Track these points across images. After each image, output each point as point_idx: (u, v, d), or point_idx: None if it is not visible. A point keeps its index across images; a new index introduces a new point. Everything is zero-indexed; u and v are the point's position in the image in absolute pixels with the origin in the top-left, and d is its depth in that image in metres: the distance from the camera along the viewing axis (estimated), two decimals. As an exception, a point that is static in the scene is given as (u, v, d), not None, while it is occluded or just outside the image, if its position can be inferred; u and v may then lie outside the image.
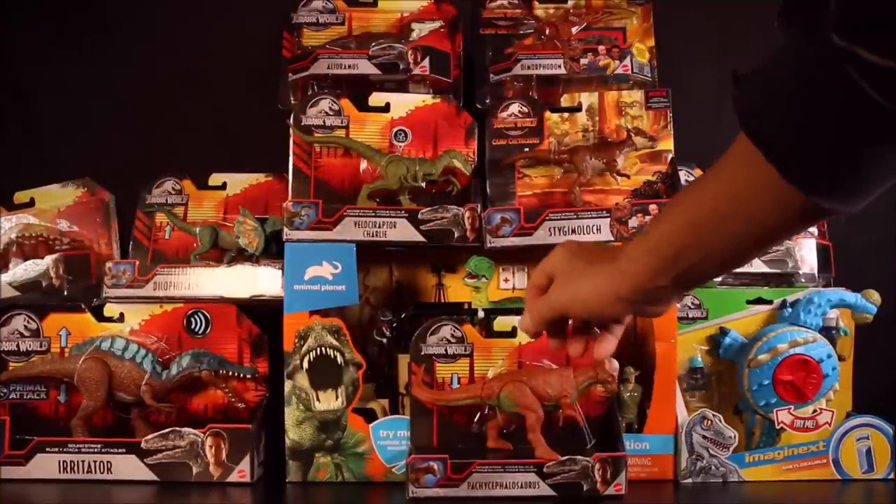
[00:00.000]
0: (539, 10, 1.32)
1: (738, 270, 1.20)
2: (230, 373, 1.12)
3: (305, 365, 1.08)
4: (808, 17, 0.49)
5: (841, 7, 0.45)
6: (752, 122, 0.54)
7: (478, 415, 1.08)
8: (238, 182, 1.29)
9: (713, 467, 1.08)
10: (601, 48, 1.24)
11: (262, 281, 1.14)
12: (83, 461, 1.07)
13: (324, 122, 1.19)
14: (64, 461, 1.07)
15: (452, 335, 1.08)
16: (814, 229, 1.26)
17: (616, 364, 1.05)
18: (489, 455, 1.04)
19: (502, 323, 1.10)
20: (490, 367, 1.09)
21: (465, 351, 1.08)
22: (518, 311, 1.13)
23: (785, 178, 0.53)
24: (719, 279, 1.20)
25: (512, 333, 1.09)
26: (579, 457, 1.00)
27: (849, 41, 0.46)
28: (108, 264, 1.15)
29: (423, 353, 1.08)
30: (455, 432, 1.08)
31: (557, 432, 1.06)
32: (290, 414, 1.09)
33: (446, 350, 1.08)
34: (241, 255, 1.20)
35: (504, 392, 1.05)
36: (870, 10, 0.45)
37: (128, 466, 1.06)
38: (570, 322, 0.74)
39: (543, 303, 0.72)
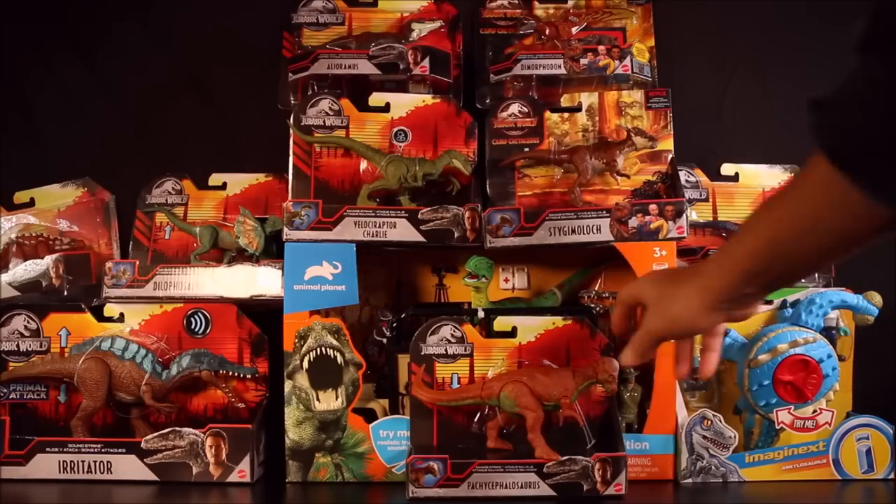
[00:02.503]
0: (539, 10, 1.32)
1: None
2: (230, 373, 1.12)
3: (305, 365, 1.08)
4: (887, 47, 0.53)
5: None
6: (833, 145, 0.58)
7: (478, 415, 1.08)
8: (238, 182, 1.29)
9: (713, 467, 1.08)
10: (601, 48, 1.24)
11: (262, 281, 1.14)
12: (83, 461, 1.07)
13: (324, 122, 1.19)
14: (64, 461, 1.07)
15: (452, 335, 1.08)
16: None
17: (616, 364, 1.05)
18: (489, 455, 1.04)
19: (502, 323, 1.10)
20: (490, 367, 1.09)
21: (466, 351, 1.08)
22: (518, 312, 1.14)
23: (868, 195, 0.57)
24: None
25: (512, 333, 1.09)
26: (579, 457, 1.00)
27: None
28: (108, 264, 1.15)
29: (423, 352, 1.08)
30: (455, 432, 1.07)
31: (557, 432, 1.06)
32: (290, 414, 1.09)
33: (446, 350, 1.08)
34: (241, 255, 1.20)
35: (504, 392, 1.04)
36: None
37: (128, 466, 1.06)
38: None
39: (643, 335, 0.78)
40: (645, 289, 0.80)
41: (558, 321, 1.10)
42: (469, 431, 1.08)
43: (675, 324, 0.76)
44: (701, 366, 0.83)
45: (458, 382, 1.08)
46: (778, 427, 1.10)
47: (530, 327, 1.10)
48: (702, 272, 0.73)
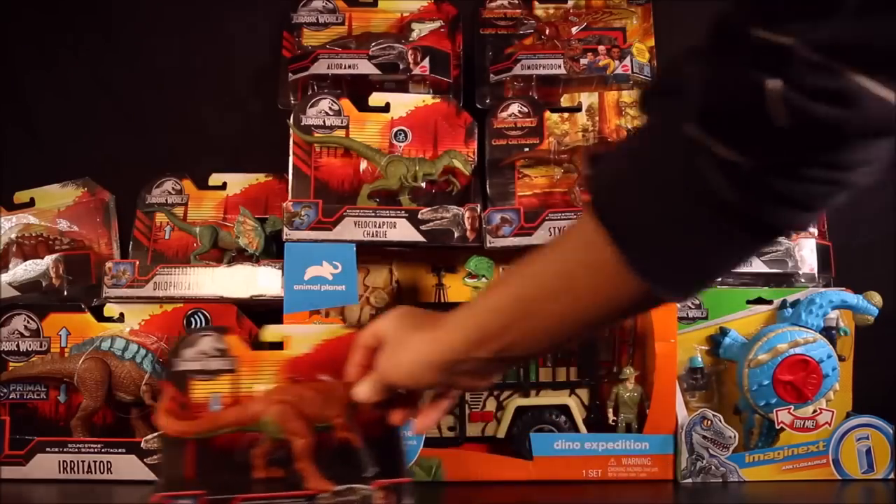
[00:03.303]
0: (539, 10, 1.32)
1: (738, 270, 1.20)
2: (230, 373, 1.11)
3: (305, 365, 1.08)
4: (667, 105, 0.49)
5: (699, 98, 0.46)
6: (601, 203, 0.53)
7: (242, 439, 0.92)
8: (238, 182, 1.29)
9: (713, 467, 1.08)
10: (601, 48, 1.24)
11: (262, 281, 1.14)
12: (83, 461, 1.07)
13: (324, 122, 1.19)
14: (64, 461, 1.07)
15: (214, 348, 0.94)
16: (814, 229, 1.26)
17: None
18: (255, 487, 0.89)
19: (271, 333, 0.96)
20: (257, 383, 0.93)
21: (229, 366, 0.93)
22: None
23: (626, 262, 0.51)
24: (719, 279, 1.20)
25: (281, 345, 0.95)
26: (358, 485, 0.86)
27: (702, 132, 0.46)
28: (108, 264, 1.15)
29: (177, 369, 0.90)
30: (216, 460, 0.91)
31: (331, 457, 0.91)
32: (290, 414, 1.08)
33: (205, 365, 0.93)
34: (241, 255, 1.20)
35: (267, 416, 0.89)
36: (726, 107, 0.45)
37: (128, 466, 1.06)
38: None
39: (374, 376, 0.70)
40: (388, 328, 0.69)
41: (337, 330, 0.99)
42: (232, 459, 0.92)
43: (398, 372, 0.67)
44: (419, 418, 0.73)
45: (220, 403, 0.92)
46: (778, 427, 1.10)
47: (305, 337, 0.98)
48: (441, 323, 0.63)
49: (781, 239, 1.20)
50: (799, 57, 0.43)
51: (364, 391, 0.72)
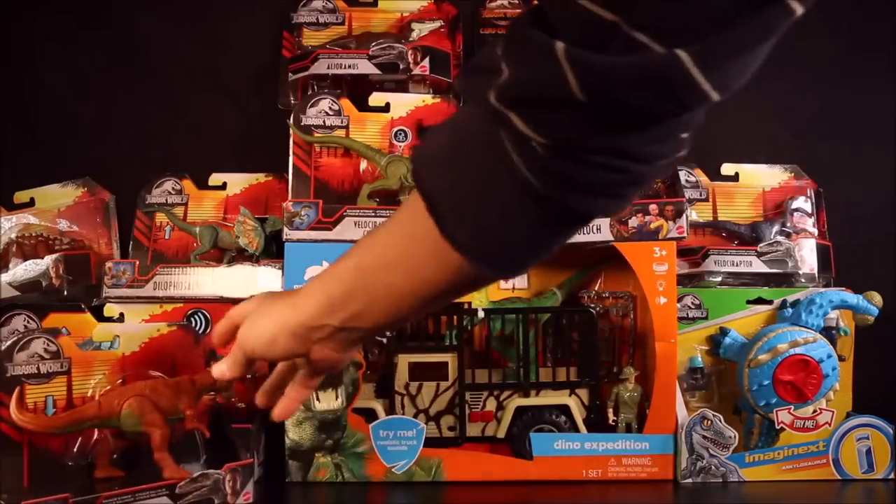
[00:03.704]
0: (539, 10, 1.32)
1: (738, 270, 1.20)
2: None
3: (305, 365, 1.08)
4: (481, 78, 0.48)
5: (507, 73, 0.45)
6: (421, 174, 0.53)
7: (78, 441, 0.96)
8: (238, 182, 1.29)
9: (713, 467, 1.08)
10: (601, 48, 1.24)
11: (262, 281, 1.14)
12: None
13: (324, 122, 1.19)
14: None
15: (46, 350, 0.94)
16: (814, 229, 1.26)
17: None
18: (98, 487, 0.91)
19: (102, 332, 0.99)
20: (91, 383, 0.96)
21: (62, 368, 0.94)
22: (518, 311, 1.14)
23: (442, 233, 0.51)
24: (719, 279, 1.20)
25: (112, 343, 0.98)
26: (211, 471, 0.93)
27: (502, 104, 0.46)
28: (108, 264, 1.15)
29: (10, 374, 0.91)
30: (51, 466, 0.94)
31: (183, 447, 0.98)
32: (290, 414, 1.09)
33: (39, 368, 0.94)
34: (241, 255, 1.20)
35: (126, 409, 0.94)
36: (528, 84, 0.45)
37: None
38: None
39: (234, 348, 0.70)
40: (252, 303, 0.70)
41: (163, 328, 1.03)
42: (66, 464, 0.95)
43: (254, 339, 0.66)
44: (277, 404, 0.73)
45: (55, 406, 0.93)
46: (778, 427, 1.10)
47: (134, 336, 1.02)
48: (297, 292, 0.64)
49: (781, 239, 1.21)
50: (586, 21, 0.42)
51: (224, 367, 0.71)
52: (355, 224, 1.10)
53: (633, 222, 1.09)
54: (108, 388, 0.98)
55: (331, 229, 1.10)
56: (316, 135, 1.18)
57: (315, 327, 0.62)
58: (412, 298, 0.57)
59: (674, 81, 0.42)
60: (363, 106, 1.21)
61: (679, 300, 1.14)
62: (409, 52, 1.22)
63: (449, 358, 1.11)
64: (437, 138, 0.54)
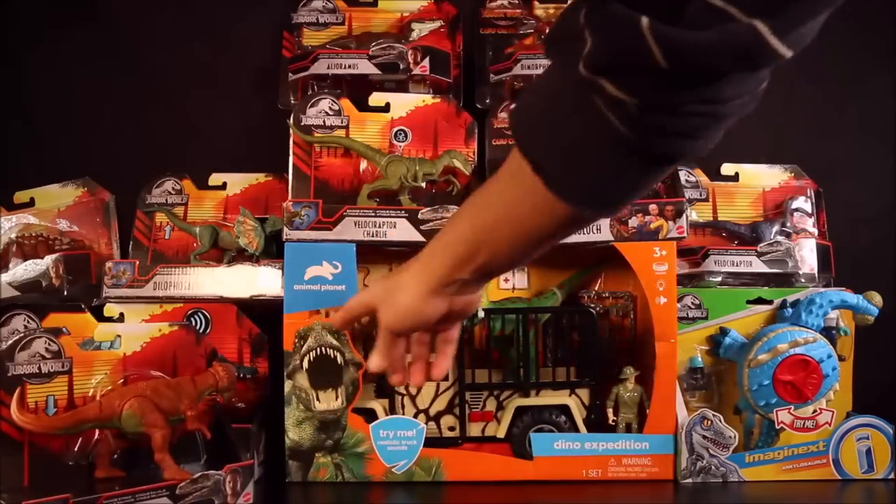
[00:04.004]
0: (539, 10, 1.32)
1: (738, 270, 1.20)
2: (230, 373, 1.12)
3: (305, 365, 1.08)
4: (567, 47, 0.53)
5: (593, 44, 0.51)
6: (524, 140, 0.59)
7: (78, 441, 0.96)
8: (238, 182, 1.29)
9: (713, 467, 1.08)
10: (601, 48, 1.24)
11: (262, 281, 1.14)
12: None
13: (324, 122, 1.19)
14: None
15: (47, 349, 0.94)
16: (814, 229, 1.26)
17: (234, 370, 1.01)
18: (99, 487, 0.91)
19: (104, 332, 0.98)
20: (92, 383, 0.97)
21: (63, 367, 0.94)
22: (518, 311, 1.14)
23: (549, 188, 0.58)
24: (719, 279, 1.20)
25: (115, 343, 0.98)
26: (212, 472, 0.93)
27: (593, 74, 0.51)
28: (108, 264, 1.15)
29: (11, 374, 0.91)
30: (52, 466, 0.94)
31: (184, 448, 0.98)
32: (290, 414, 1.09)
33: (40, 368, 0.93)
34: (241, 255, 1.20)
35: (128, 410, 0.94)
36: (615, 55, 0.50)
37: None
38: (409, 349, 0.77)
39: (381, 333, 0.74)
40: (373, 290, 0.76)
41: (164, 328, 1.04)
42: (66, 464, 0.94)
43: (402, 313, 0.73)
44: (433, 368, 0.78)
45: (55, 406, 0.93)
46: (778, 427, 1.10)
47: (136, 335, 1.02)
48: (419, 258, 0.72)
49: (781, 239, 1.21)
50: None
51: (378, 359, 0.76)
52: (355, 224, 1.10)
53: (633, 222, 1.09)
54: (110, 388, 0.99)
55: (331, 229, 1.10)
56: (316, 135, 1.18)
57: (450, 283, 0.69)
58: (528, 244, 0.65)
59: (753, 49, 0.47)
60: (363, 106, 1.21)
61: (679, 300, 1.14)
62: (409, 52, 1.22)
63: (449, 358, 1.11)
64: (533, 106, 0.60)
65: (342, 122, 1.19)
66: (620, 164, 0.55)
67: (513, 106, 0.59)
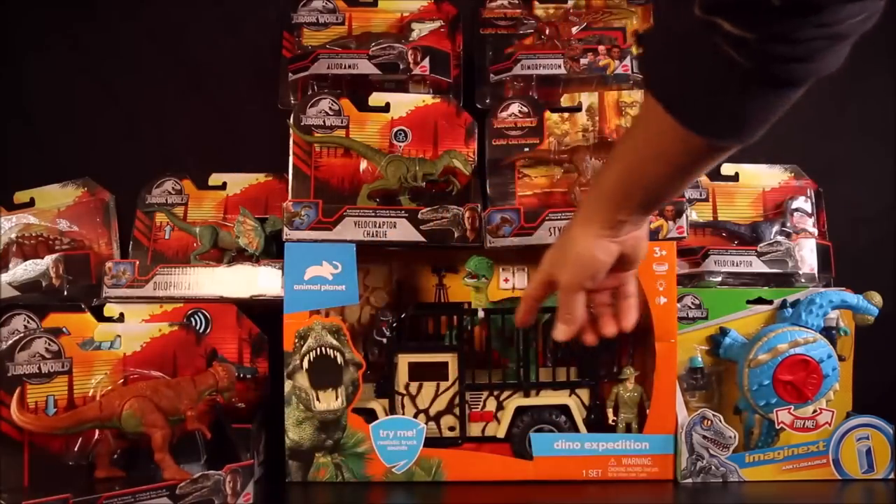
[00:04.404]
0: (539, 10, 1.32)
1: (738, 270, 1.20)
2: (230, 373, 1.12)
3: (305, 365, 1.08)
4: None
5: None
6: (656, 86, 0.66)
7: (78, 441, 0.97)
8: (238, 182, 1.29)
9: (713, 467, 1.08)
10: (601, 48, 1.24)
11: (262, 281, 1.14)
12: None
13: (324, 122, 1.19)
14: None
15: (47, 349, 0.95)
16: (814, 229, 1.26)
17: (234, 370, 1.02)
18: (98, 487, 0.91)
19: (104, 332, 0.98)
20: (92, 383, 0.97)
21: (63, 367, 0.95)
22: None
23: (683, 125, 0.64)
24: (719, 279, 1.20)
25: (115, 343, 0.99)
26: (212, 472, 0.93)
27: (710, 14, 0.57)
28: (108, 264, 1.15)
29: (11, 374, 0.91)
30: (52, 466, 0.94)
31: (184, 448, 0.99)
32: (290, 414, 1.09)
33: (40, 368, 0.94)
34: (241, 255, 1.20)
35: (127, 410, 0.94)
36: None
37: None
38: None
39: (562, 296, 0.81)
40: (542, 266, 0.83)
41: (164, 328, 1.04)
42: (66, 464, 0.95)
43: (578, 264, 0.79)
44: (620, 318, 0.85)
45: (55, 406, 0.94)
46: (778, 427, 1.10)
47: (136, 335, 1.03)
48: (580, 209, 0.79)
49: (781, 239, 1.21)
50: None
51: (560, 329, 0.83)
52: (355, 224, 1.10)
53: (633, 222, 1.09)
54: (110, 388, 0.99)
55: (331, 229, 1.10)
56: (316, 135, 1.18)
57: (614, 226, 0.76)
58: (675, 178, 0.72)
59: None
60: (363, 106, 1.21)
61: (679, 300, 1.14)
62: (409, 52, 1.22)
63: (449, 358, 1.11)
64: (659, 52, 0.66)
65: (342, 122, 1.19)
66: (747, 93, 0.61)
67: (643, 48, 0.67)
